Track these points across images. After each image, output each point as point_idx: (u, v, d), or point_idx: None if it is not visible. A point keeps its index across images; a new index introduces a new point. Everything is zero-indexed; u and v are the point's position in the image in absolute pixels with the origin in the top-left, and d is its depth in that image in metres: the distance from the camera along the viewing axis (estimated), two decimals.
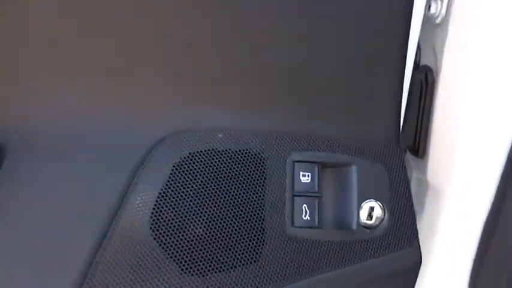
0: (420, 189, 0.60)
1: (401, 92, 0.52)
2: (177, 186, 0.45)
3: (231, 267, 0.45)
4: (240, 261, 0.46)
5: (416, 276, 0.52)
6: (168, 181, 0.44)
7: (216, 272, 0.45)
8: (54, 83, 0.45)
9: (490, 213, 0.54)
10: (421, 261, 0.52)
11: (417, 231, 0.52)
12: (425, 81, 0.56)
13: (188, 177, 0.45)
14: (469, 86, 0.51)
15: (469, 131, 0.52)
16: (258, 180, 0.47)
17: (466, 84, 0.51)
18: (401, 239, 0.50)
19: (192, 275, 0.44)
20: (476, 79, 0.50)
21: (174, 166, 0.45)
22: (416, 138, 0.58)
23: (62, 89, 0.45)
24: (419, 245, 0.52)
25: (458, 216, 0.56)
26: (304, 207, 0.48)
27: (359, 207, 0.49)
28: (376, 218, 0.50)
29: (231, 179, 0.46)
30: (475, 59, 0.50)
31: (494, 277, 0.57)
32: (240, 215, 0.46)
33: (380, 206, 0.50)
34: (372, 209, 0.49)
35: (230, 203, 0.46)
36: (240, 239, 0.46)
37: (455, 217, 0.56)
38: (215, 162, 0.46)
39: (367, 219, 0.49)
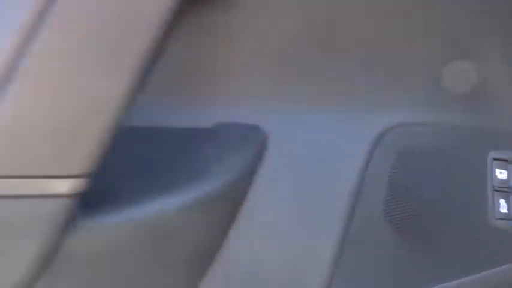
0: None
1: None
2: (404, 173, 0.50)
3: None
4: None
5: None
6: (396, 167, 0.49)
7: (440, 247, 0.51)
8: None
9: None
10: None
11: None
12: None
13: (411, 166, 0.50)
14: None
15: None
16: (465, 174, 0.52)
17: None
18: None
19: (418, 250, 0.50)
20: None
21: (399, 155, 0.50)
22: None
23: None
24: None
25: None
26: (502, 201, 0.52)
27: None
28: None
29: (448, 171, 0.52)
30: None
31: None
32: (455, 203, 0.51)
33: None
34: None
35: (447, 192, 0.51)
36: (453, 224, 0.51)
37: None
38: (431, 155, 0.51)
39: None
